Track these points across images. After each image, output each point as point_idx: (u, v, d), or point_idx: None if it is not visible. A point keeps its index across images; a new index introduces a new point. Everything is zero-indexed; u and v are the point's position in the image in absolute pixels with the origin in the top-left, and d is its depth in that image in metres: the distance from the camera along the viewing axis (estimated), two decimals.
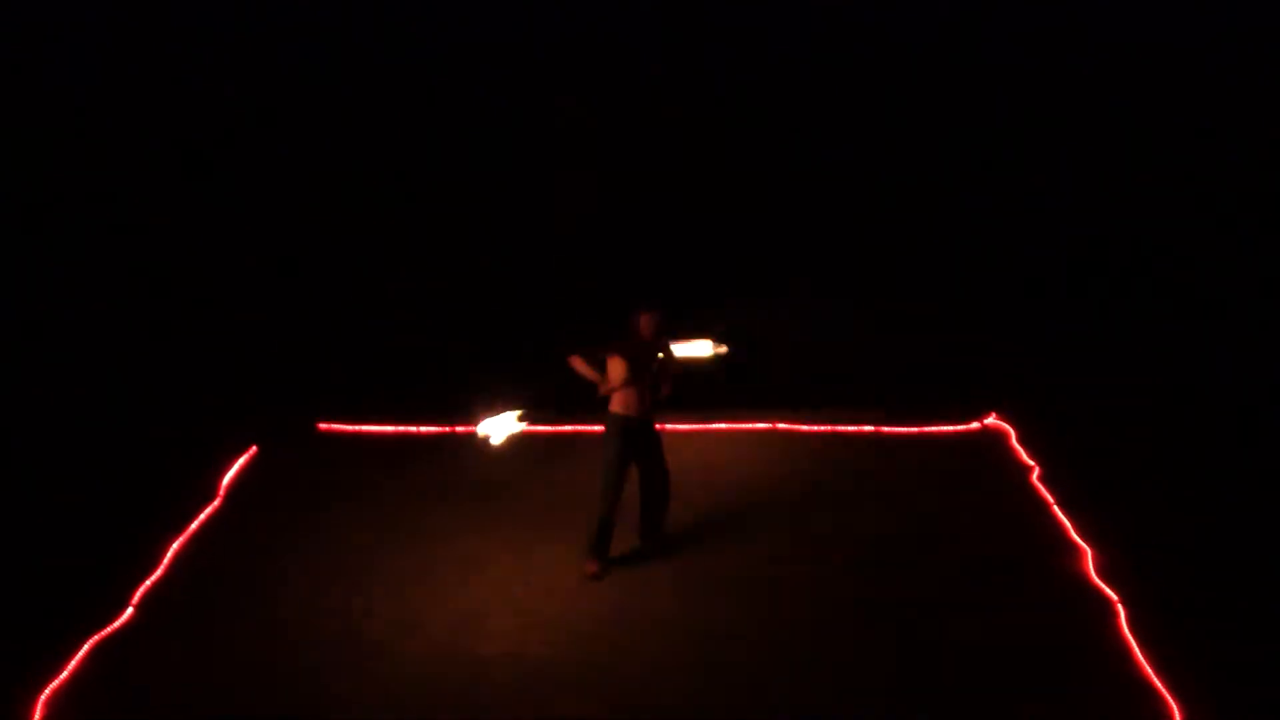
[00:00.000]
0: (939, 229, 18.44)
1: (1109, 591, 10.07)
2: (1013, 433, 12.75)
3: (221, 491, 11.95)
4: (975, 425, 13.01)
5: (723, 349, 10.72)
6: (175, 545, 10.99)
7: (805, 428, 13.04)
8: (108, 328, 15.69)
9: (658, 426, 10.71)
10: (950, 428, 13.00)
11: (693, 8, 25.26)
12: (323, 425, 13.20)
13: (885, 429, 13.00)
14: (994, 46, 23.96)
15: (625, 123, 21.34)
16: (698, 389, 13.18)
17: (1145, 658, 9.24)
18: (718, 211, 18.85)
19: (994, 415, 13.02)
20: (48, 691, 9.07)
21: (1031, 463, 12.18)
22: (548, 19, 25.48)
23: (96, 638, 9.69)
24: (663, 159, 19.89)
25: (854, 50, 24.51)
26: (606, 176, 19.05)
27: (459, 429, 13.09)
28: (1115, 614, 9.80)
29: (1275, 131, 20.05)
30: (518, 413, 10.55)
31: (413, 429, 13.14)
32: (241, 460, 12.49)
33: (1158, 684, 8.95)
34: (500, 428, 10.46)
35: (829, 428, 13.01)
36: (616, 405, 10.37)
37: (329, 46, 23.64)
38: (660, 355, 10.34)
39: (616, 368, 10.22)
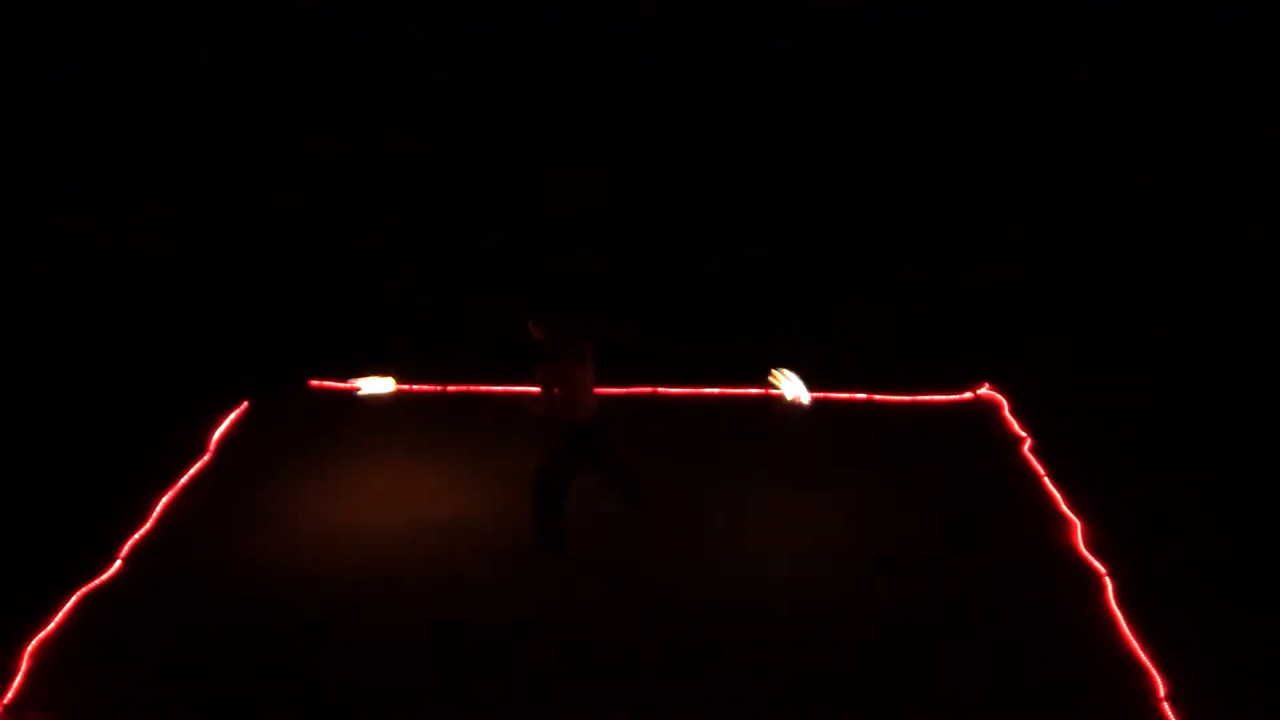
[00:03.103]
0: (937, 199, 18.46)
1: (1097, 564, 10.09)
2: (1005, 403, 12.72)
3: (212, 446, 11.93)
4: (968, 395, 12.97)
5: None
6: (164, 499, 10.98)
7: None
8: (102, 283, 15.69)
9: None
10: (943, 397, 12.95)
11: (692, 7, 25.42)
12: (314, 382, 13.14)
13: (878, 397, 12.95)
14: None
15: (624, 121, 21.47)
16: (692, 353, 13.31)
17: (1132, 630, 9.27)
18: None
19: (987, 385, 12.98)
20: (35, 642, 9.09)
21: (1024, 434, 12.15)
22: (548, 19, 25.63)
23: (84, 590, 9.70)
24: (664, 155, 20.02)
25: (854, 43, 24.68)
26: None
27: (450, 388, 13.07)
28: (1103, 586, 9.82)
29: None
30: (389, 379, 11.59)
31: (404, 387, 13.09)
32: (233, 415, 12.46)
33: (1143, 657, 8.98)
34: (375, 386, 11.44)
35: (821, 395, 12.95)
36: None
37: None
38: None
39: None
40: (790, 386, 10.52)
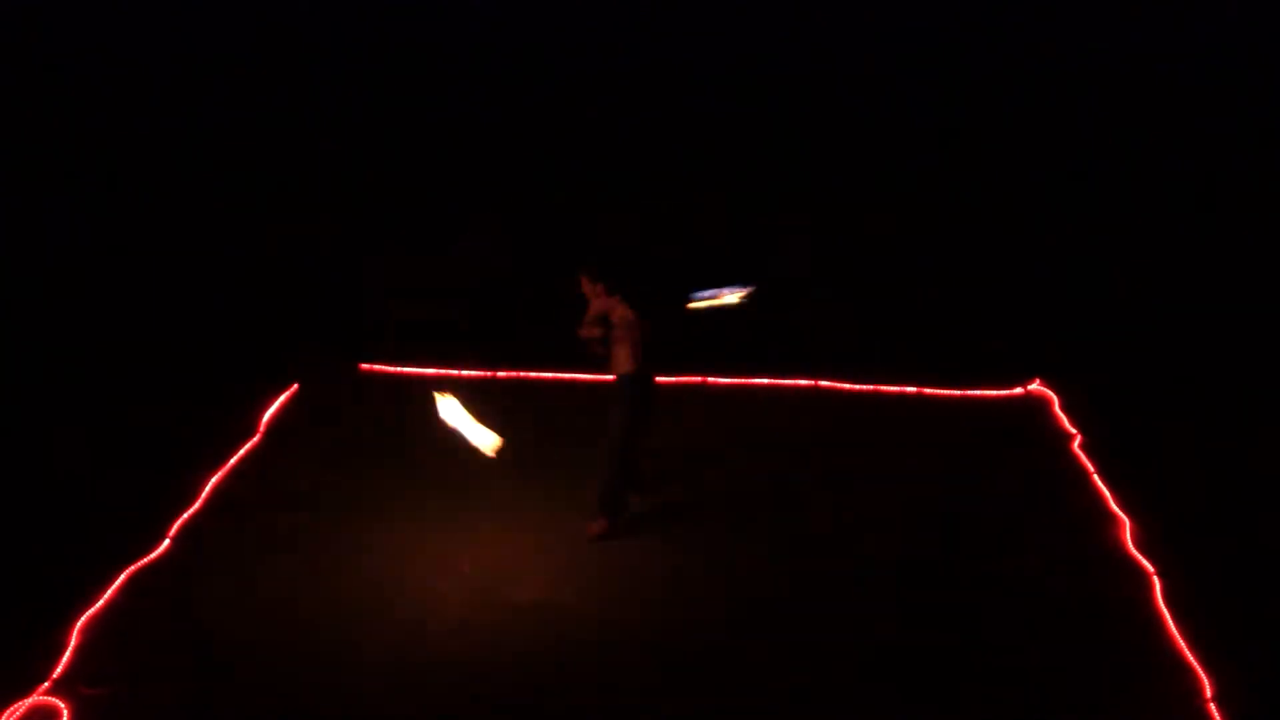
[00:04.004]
0: (992, 194, 18.34)
1: (1145, 562, 10.00)
2: (1056, 399, 12.61)
3: (262, 428, 12.01)
4: (1018, 390, 12.87)
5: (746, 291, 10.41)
6: (213, 480, 11.07)
7: (847, 387, 12.94)
8: (155, 263, 15.83)
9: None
10: (993, 392, 12.87)
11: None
12: (365, 365, 13.21)
13: (928, 391, 12.88)
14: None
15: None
16: (740, 343, 13.27)
17: (1179, 630, 9.18)
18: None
19: (1038, 381, 12.88)
20: (84, 619, 9.20)
21: (1074, 430, 12.06)
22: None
23: (133, 568, 9.80)
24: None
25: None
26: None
27: (500, 374, 13.10)
28: (1151, 585, 9.73)
29: None
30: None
31: (454, 372, 13.13)
32: (283, 398, 12.54)
33: (1190, 656, 8.90)
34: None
35: (871, 388, 12.91)
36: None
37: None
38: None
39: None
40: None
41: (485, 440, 9.76)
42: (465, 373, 13.14)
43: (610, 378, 10.24)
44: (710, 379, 12.92)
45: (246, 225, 17.13)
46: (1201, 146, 19.82)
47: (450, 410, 9.79)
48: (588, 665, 8.92)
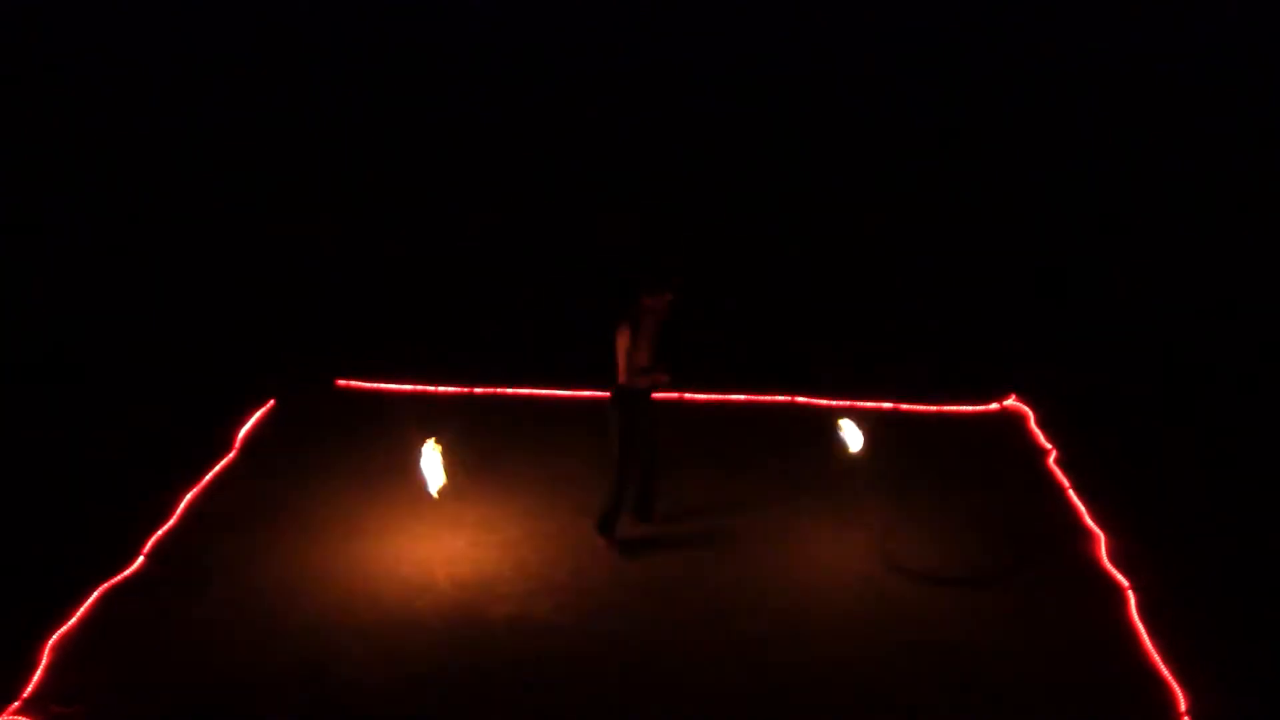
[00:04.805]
0: (966, 210, 18.42)
1: (1120, 577, 10.02)
2: (1031, 415, 12.65)
3: (237, 444, 11.97)
4: (994, 406, 12.91)
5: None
6: (189, 496, 11.02)
7: (823, 403, 12.95)
8: (130, 281, 15.80)
9: (655, 397, 10.37)
10: (969, 408, 12.90)
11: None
12: (341, 382, 13.18)
13: (904, 407, 12.91)
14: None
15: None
16: (716, 360, 13.29)
17: (1154, 644, 9.21)
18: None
19: (1013, 396, 12.93)
20: (56, 636, 9.13)
21: (1049, 445, 12.09)
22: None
23: (106, 585, 9.74)
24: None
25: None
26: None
27: (477, 390, 13.08)
28: (1126, 600, 9.76)
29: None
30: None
31: (431, 389, 13.11)
32: (258, 414, 12.50)
33: (1164, 671, 8.92)
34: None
35: (847, 403, 12.91)
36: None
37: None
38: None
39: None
40: (851, 436, 10.71)
41: (434, 482, 10.23)
42: (441, 389, 13.12)
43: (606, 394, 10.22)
44: (687, 395, 12.91)
45: (224, 241, 17.11)
46: (1199, 148, 19.97)
47: (430, 457, 10.23)
48: (565, 680, 8.89)
